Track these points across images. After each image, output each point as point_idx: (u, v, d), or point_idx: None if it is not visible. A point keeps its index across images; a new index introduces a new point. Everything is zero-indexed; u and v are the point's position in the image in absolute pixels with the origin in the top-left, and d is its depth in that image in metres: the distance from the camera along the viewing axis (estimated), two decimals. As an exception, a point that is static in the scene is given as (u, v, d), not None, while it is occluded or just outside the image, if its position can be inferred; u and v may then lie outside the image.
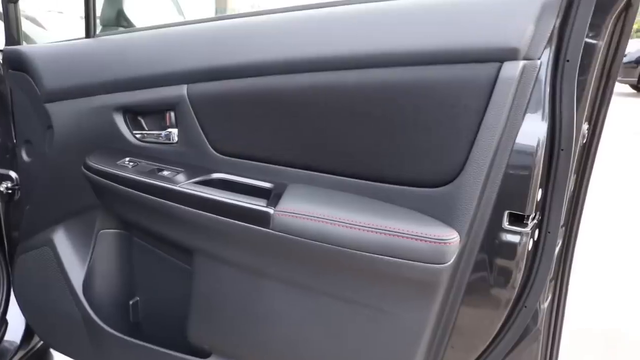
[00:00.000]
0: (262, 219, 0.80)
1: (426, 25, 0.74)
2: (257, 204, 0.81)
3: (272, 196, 0.84)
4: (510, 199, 0.74)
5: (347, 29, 0.79)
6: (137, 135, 1.04)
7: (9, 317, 1.39)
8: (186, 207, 0.87)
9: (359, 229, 0.74)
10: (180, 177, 0.91)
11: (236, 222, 0.83)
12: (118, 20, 1.20)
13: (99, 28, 1.18)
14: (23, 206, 1.24)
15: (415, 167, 0.77)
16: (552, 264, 0.78)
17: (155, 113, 1.03)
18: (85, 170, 1.01)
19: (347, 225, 0.74)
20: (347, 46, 0.78)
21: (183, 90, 0.93)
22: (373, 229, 0.73)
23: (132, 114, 1.04)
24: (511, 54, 0.68)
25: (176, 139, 0.99)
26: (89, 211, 1.16)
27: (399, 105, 0.75)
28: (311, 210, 0.77)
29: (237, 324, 0.92)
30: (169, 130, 0.99)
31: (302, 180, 0.88)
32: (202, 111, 0.93)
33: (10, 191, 1.27)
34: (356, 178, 0.83)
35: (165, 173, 0.94)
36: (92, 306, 1.14)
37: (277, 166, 0.89)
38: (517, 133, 0.71)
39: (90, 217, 1.16)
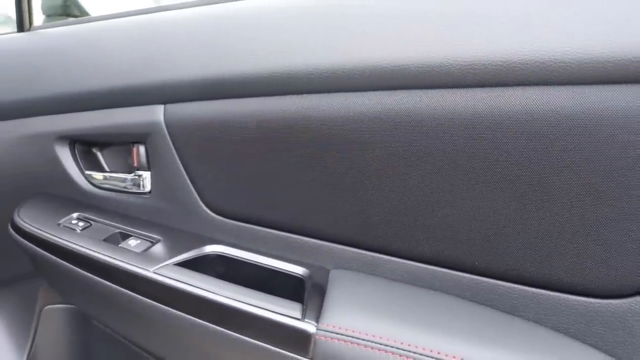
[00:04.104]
0: (293, 340, 0.47)
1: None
2: (284, 312, 0.47)
3: (306, 294, 0.50)
4: None
5: (452, 21, 0.45)
6: (92, 178, 0.69)
7: None
8: (166, 307, 0.53)
9: None
10: (155, 253, 0.57)
11: (248, 339, 0.49)
12: (66, 7, 0.84)
13: (38, 19, 0.83)
14: None
15: (567, 257, 0.44)
16: None
17: (118, 145, 0.68)
18: (12, 232, 0.67)
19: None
20: (447, 49, 0.44)
21: (158, 113, 0.59)
22: None
23: (85, 145, 0.70)
24: None
25: (149, 187, 0.64)
26: (28, 279, 0.81)
27: (543, 149, 0.42)
28: (386, 333, 0.44)
29: None
30: (138, 173, 0.64)
31: (355, 265, 0.54)
32: (190, 147, 0.58)
33: None
34: (452, 269, 0.49)
35: (133, 243, 0.59)
36: (32, 418, 0.79)
37: (310, 239, 0.55)
38: None
39: (30, 287, 0.81)
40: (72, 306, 0.81)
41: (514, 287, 0.46)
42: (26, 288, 0.82)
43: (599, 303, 0.43)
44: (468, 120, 0.43)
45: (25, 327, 0.82)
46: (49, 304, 0.81)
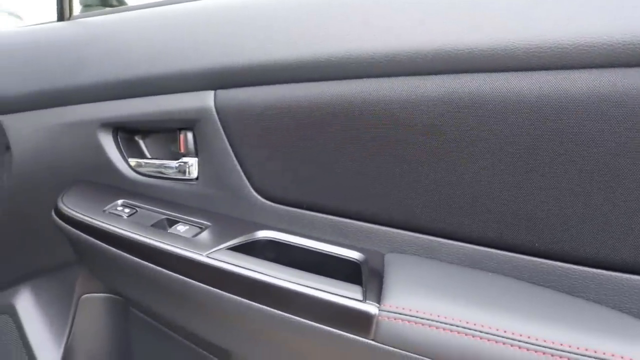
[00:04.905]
0: (354, 321, 0.47)
1: None
2: (345, 295, 0.48)
3: (365, 279, 0.51)
4: None
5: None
6: (135, 165, 0.69)
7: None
8: (220, 291, 0.53)
9: (545, 353, 0.41)
10: (206, 238, 0.57)
11: (308, 322, 0.49)
12: (105, -4, 0.85)
13: (77, 9, 0.83)
14: None
15: (632, 237, 0.44)
16: None
17: (163, 132, 0.69)
18: (56, 218, 0.67)
19: (519, 343, 0.41)
20: (513, 33, 0.44)
21: (208, 99, 0.59)
22: (577, 356, 0.40)
23: (127, 132, 0.70)
24: None
25: (195, 173, 0.65)
26: (66, 268, 0.81)
27: (610, 131, 0.42)
28: (449, 312, 0.44)
29: None
30: (184, 160, 0.65)
31: (411, 249, 0.54)
32: (240, 133, 0.59)
33: None
34: (511, 251, 0.49)
35: (181, 229, 0.60)
36: (72, 404, 0.80)
37: (364, 223, 0.56)
38: None
39: (68, 275, 0.82)
40: (109, 295, 0.82)
41: (574, 268, 0.47)
42: (64, 277, 0.83)
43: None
44: (533, 103, 0.43)
45: (64, 315, 0.83)
46: (86, 293, 0.82)
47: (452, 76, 0.46)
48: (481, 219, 0.49)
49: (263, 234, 0.58)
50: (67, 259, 0.79)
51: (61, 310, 0.83)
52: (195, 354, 0.72)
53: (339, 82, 0.51)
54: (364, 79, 0.50)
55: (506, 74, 0.44)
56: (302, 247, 0.57)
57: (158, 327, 0.77)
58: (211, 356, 0.71)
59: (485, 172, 0.47)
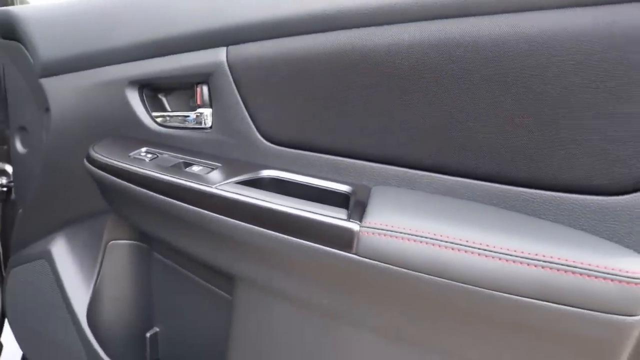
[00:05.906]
0: (339, 237, 0.54)
1: None
2: (331, 215, 0.55)
3: (352, 206, 0.58)
4: None
5: None
6: (158, 119, 0.78)
7: (4, 339, 1.17)
8: (228, 219, 0.61)
9: (501, 259, 0.47)
10: (217, 175, 0.65)
11: (301, 241, 0.56)
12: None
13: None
14: (17, 208, 1.00)
15: (579, 161, 0.50)
16: None
17: (181, 89, 0.77)
18: (88, 164, 0.76)
19: (479, 251, 0.47)
20: None
21: (220, 54, 0.67)
22: (525, 260, 0.46)
23: (151, 90, 0.79)
24: None
25: (210, 122, 0.73)
26: (97, 216, 0.91)
27: (560, 62, 0.48)
28: (420, 227, 0.50)
29: None
30: (200, 111, 0.73)
31: (395, 181, 0.61)
32: (249, 84, 0.67)
33: (5, 189, 1.04)
34: (483, 180, 0.56)
35: (196, 169, 0.68)
36: (98, 338, 0.89)
37: (356, 161, 0.63)
38: None
39: (98, 223, 0.92)
40: (134, 242, 0.91)
41: (536, 193, 0.53)
42: (94, 225, 0.92)
43: (612, 200, 0.49)
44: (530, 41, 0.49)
45: (93, 259, 0.92)
46: (113, 239, 0.91)
47: (454, 20, 0.52)
48: (458, 151, 0.56)
49: (267, 173, 0.66)
50: (97, 208, 0.89)
51: (91, 255, 0.93)
52: (208, 292, 0.80)
53: (340, 32, 0.58)
54: (366, 28, 0.57)
55: (506, 14, 0.50)
56: (300, 183, 0.64)
57: (177, 271, 0.85)
58: (222, 293, 0.79)
59: (456, 107, 0.54)
